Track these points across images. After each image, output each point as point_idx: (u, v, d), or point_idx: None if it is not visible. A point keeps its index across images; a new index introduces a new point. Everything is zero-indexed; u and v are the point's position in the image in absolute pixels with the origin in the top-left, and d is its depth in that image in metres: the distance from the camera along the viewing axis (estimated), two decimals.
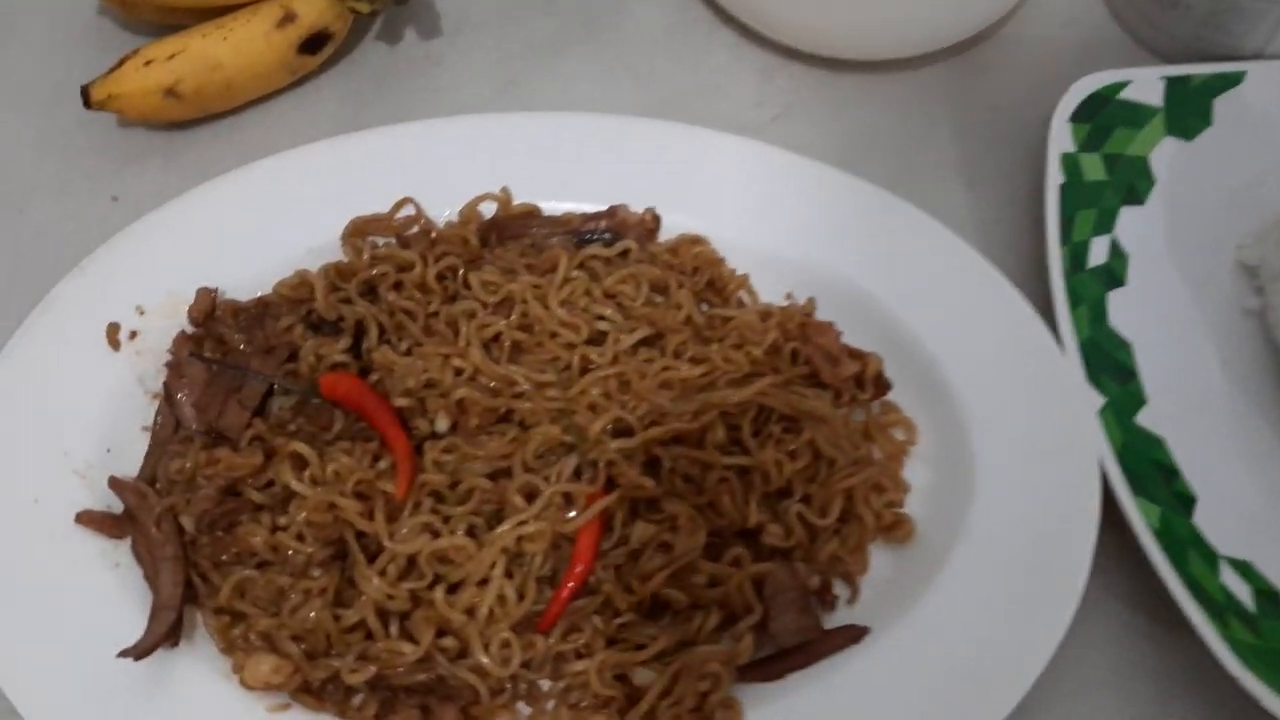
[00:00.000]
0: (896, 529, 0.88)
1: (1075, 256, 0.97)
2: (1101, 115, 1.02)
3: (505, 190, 0.99)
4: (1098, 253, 0.98)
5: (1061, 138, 1.00)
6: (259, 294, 0.95)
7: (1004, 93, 1.09)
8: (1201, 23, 1.07)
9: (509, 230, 0.98)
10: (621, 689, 0.80)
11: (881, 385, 0.92)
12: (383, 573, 0.81)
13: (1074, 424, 0.89)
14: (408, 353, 0.90)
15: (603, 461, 0.84)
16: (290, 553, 0.83)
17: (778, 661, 0.83)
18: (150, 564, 0.84)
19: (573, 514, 0.83)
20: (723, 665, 0.80)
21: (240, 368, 0.90)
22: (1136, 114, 1.03)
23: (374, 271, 0.93)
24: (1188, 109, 1.03)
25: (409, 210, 0.98)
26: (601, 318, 0.92)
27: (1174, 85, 1.03)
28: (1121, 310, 0.96)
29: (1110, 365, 0.93)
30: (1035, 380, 0.91)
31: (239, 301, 0.95)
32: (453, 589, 0.82)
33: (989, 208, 1.04)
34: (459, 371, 0.88)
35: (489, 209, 0.99)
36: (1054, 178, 0.99)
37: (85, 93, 1.01)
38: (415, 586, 0.81)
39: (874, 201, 0.98)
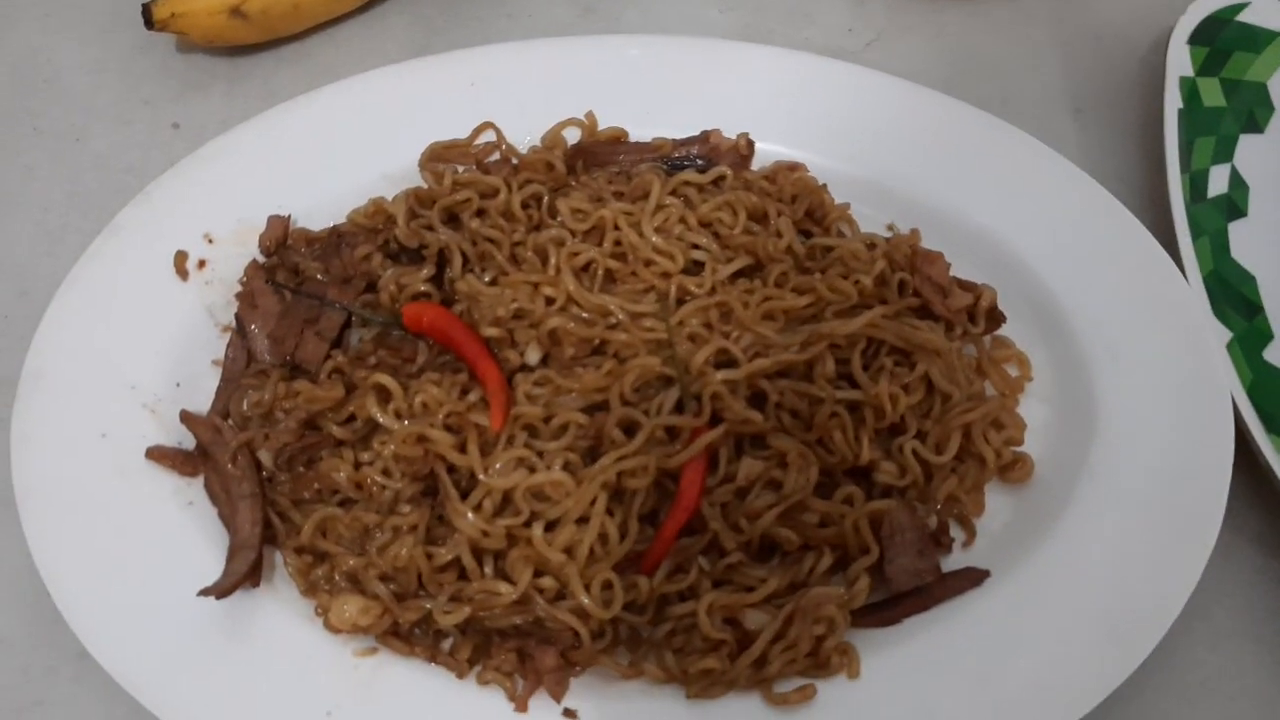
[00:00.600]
0: (1015, 468, 0.83)
1: (1195, 186, 0.92)
2: (1220, 38, 0.97)
3: (590, 115, 0.94)
4: (1217, 182, 0.93)
5: (1179, 60, 0.95)
6: (332, 223, 0.91)
7: (1111, 15, 1.04)
8: None
9: (596, 157, 0.93)
10: (731, 633, 0.75)
11: (995, 318, 0.87)
12: (477, 508, 0.76)
13: (1202, 359, 0.84)
14: (493, 282, 0.85)
15: (706, 395, 0.79)
16: (376, 489, 0.78)
17: (894, 606, 0.78)
18: (226, 502, 0.80)
19: (676, 449, 0.78)
20: (838, 608, 0.76)
21: (317, 297, 0.86)
22: (1255, 37, 0.98)
23: (457, 198, 0.88)
24: None
25: (489, 136, 0.93)
26: (697, 246, 0.87)
27: None
28: (1243, 242, 0.92)
29: (1235, 299, 0.89)
30: (1160, 314, 0.86)
31: (311, 231, 0.90)
32: (550, 527, 0.77)
33: (1097, 136, 0.99)
34: (550, 301, 0.83)
35: (573, 135, 0.94)
36: (1172, 102, 0.94)
37: (147, 11, 0.97)
38: (511, 523, 0.76)
39: (982, 126, 0.93)
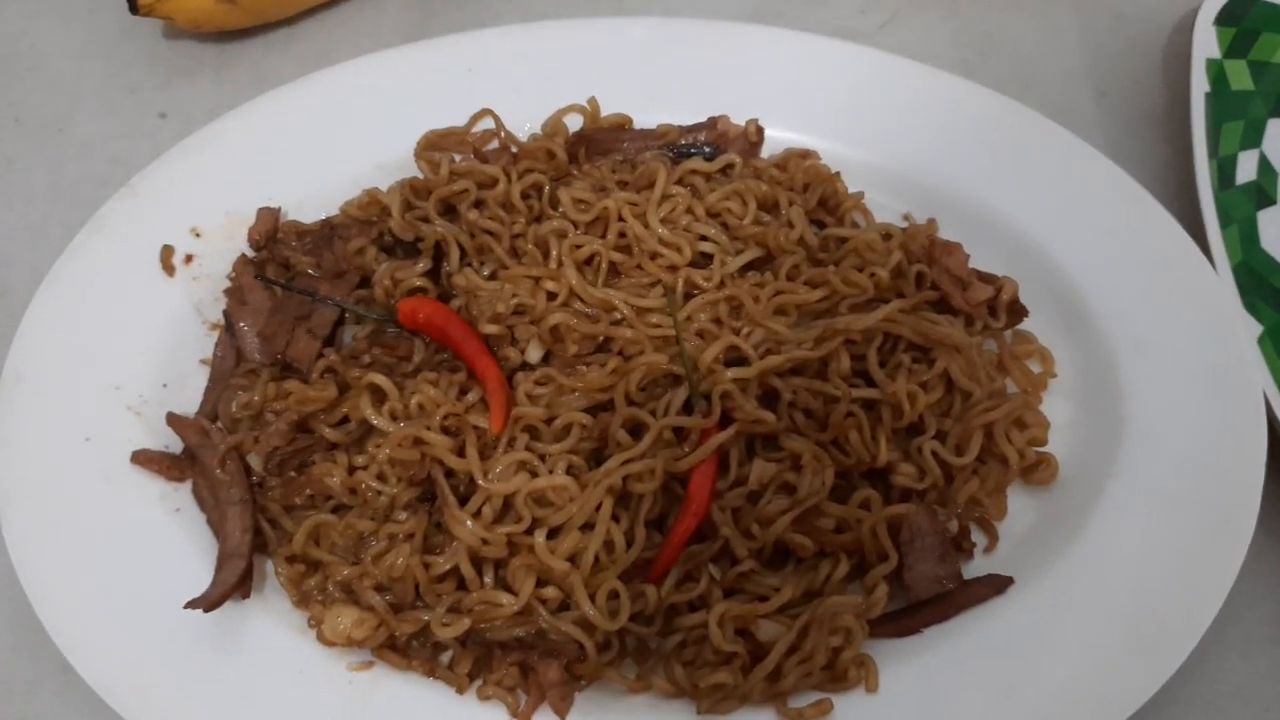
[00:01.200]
0: (1039, 469, 0.80)
1: (1223, 172, 0.89)
2: (1247, 18, 0.93)
3: (592, 101, 0.90)
4: (1246, 168, 0.90)
5: (1206, 41, 0.92)
6: (324, 215, 0.87)
7: None
8: None
9: (599, 144, 0.89)
10: (744, 644, 0.72)
11: (1016, 312, 0.83)
12: (477, 515, 0.73)
13: (1233, 353, 0.80)
14: (492, 276, 0.82)
15: (716, 393, 0.75)
16: (371, 494, 0.75)
17: (913, 615, 0.75)
18: (215, 508, 0.76)
19: (684, 451, 0.74)
20: (855, 618, 0.72)
21: (309, 292, 0.82)
22: None
23: (454, 188, 0.85)
24: None
25: (487, 123, 0.90)
26: (705, 238, 0.83)
27: None
28: (1274, 231, 0.88)
29: (1265, 291, 0.85)
30: (1188, 306, 0.82)
31: (303, 223, 0.87)
32: (553, 534, 0.73)
33: (1121, 121, 0.95)
34: (551, 295, 0.80)
35: (575, 122, 0.91)
36: (1199, 85, 0.90)
37: None
38: (513, 530, 0.73)
39: (1001, 110, 0.89)
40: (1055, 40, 0.98)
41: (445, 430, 0.75)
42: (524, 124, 0.90)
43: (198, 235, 0.85)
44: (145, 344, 0.82)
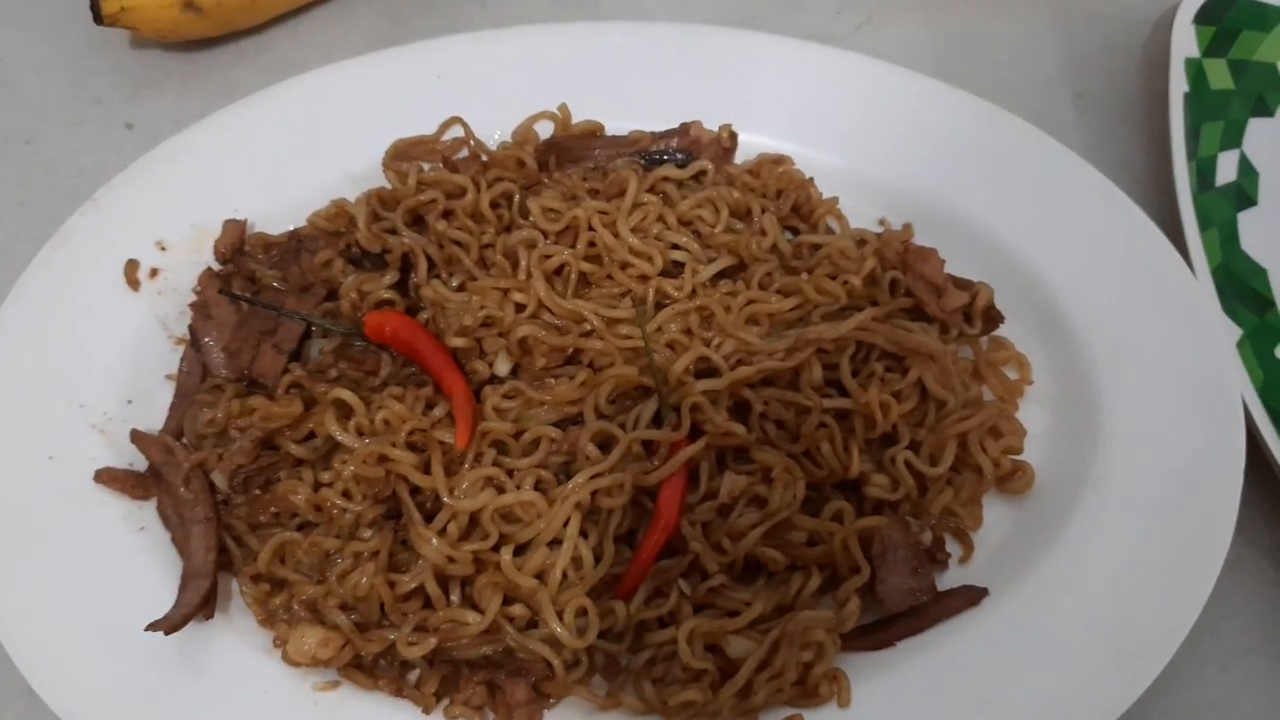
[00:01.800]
0: (1014, 478, 0.78)
1: (1202, 173, 0.88)
2: (1227, 17, 0.92)
3: (563, 107, 0.89)
4: (1226, 169, 0.89)
5: (1184, 40, 0.91)
6: (291, 227, 0.86)
7: None
8: None
9: (569, 152, 0.88)
10: (714, 661, 0.71)
11: (992, 318, 0.82)
12: (442, 532, 0.72)
13: (1212, 359, 0.79)
14: (461, 288, 0.81)
15: (686, 406, 0.74)
16: (336, 512, 0.74)
17: (886, 628, 0.74)
18: (179, 527, 0.75)
19: (654, 465, 0.73)
20: (827, 633, 0.71)
21: (274, 307, 0.81)
22: (1264, 15, 0.93)
23: (421, 198, 0.84)
24: None
25: (456, 131, 0.89)
26: (677, 246, 0.82)
27: None
28: (1254, 232, 0.87)
29: (1245, 293, 0.84)
30: (1167, 311, 0.81)
31: (270, 235, 0.86)
32: (520, 550, 0.72)
33: (1099, 122, 0.94)
34: (520, 307, 0.79)
35: (545, 129, 0.90)
36: (1178, 85, 0.89)
37: (95, 6, 0.92)
38: (479, 548, 0.72)
39: (977, 113, 0.88)
40: (1032, 42, 0.97)
41: (412, 446, 0.74)
42: (494, 132, 0.90)
43: (163, 249, 0.84)
44: (109, 360, 0.81)
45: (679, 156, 0.87)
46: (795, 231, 0.86)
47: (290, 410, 0.76)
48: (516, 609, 0.72)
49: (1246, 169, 0.89)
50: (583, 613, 0.71)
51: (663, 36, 0.92)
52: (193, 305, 0.83)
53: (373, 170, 0.88)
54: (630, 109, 0.90)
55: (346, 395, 0.76)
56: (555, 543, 0.72)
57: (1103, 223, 0.84)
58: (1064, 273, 0.83)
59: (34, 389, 0.79)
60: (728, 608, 0.73)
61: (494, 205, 0.84)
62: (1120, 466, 0.77)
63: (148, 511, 0.77)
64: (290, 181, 0.87)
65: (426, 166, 0.87)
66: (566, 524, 0.72)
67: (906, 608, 0.73)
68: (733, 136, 0.88)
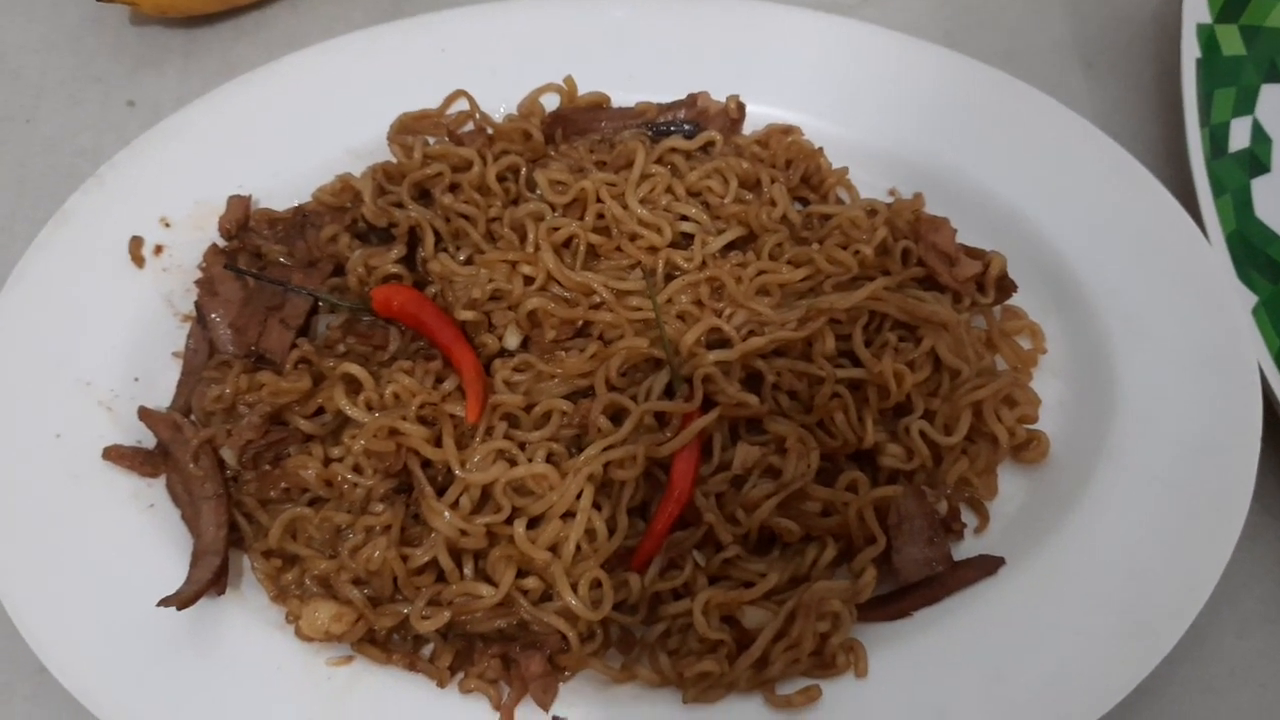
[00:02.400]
0: (1029, 448, 0.78)
1: (1215, 140, 0.87)
2: None
3: (569, 80, 0.88)
4: (1239, 136, 0.88)
5: (1196, 6, 0.89)
6: (296, 202, 0.85)
7: None
8: None
9: (575, 124, 0.87)
10: (729, 632, 0.70)
11: (1005, 287, 0.82)
12: (454, 505, 0.71)
13: (1227, 326, 0.79)
14: (468, 261, 0.80)
15: (698, 377, 0.74)
16: (347, 487, 0.73)
17: (902, 598, 0.73)
18: (189, 504, 0.75)
19: (666, 436, 0.73)
20: (843, 603, 0.71)
21: (281, 283, 0.80)
22: None
23: (427, 172, 0.83)
24: None
25: (462, 105, 0.88)
26: (685, 218, 0.81)
27: None
28: (1268, 199, 0.86)
29: (1260, 260, 0.83)
30: (1181, 278, 0.81)
31: (275, 211, 0.85)
32: (533, 523, 0.72)
33: (1110, 90, 0.94)
34: (529, 280, 0.78)
35: (551, 102, 0.89)
36: (1190, 51, 0.88)
37: None
38: (491, 521, 0.71)
39: (987, 82, 0.87)
40: (1041, 8, 0.96)
41: (422, 420, 0.74)
42: (499, 105, 0.89)
43: (167, 225, 0.84)
44: (116, 338, 0.80)
45: (686, 128, 0.86)
46: (805, 202, 0.86)
47: (299, 385, 0.76)
48: (530, 582, 0.71)
49: (1260, 135, 0.88)
50: (597, 585, 0.71)
51: (669, 7, 0.91)
52: (198, 282, 0.82)
53: (377, 145, 0.87)
54: (636, 81, 0.89)
55: (355, 370, 0.75)
56: (568, 515, 0.72)
57: (1116, 190, 0.83)
58: (1077, 241, 0.82)
59: (40, 367, 0.78)
60: (743, 579, 0.72)
61: (500, 178, 0.83)
62: (1135, 435, 0.76)
63: (157, 489, 0.76)
64: (294, 157, 0.86)
65: (432, 140, 0.86)
66: (579, 496, 0.71)
67: (922, 578, 0.73)
68: (740, 107, 0.87)
